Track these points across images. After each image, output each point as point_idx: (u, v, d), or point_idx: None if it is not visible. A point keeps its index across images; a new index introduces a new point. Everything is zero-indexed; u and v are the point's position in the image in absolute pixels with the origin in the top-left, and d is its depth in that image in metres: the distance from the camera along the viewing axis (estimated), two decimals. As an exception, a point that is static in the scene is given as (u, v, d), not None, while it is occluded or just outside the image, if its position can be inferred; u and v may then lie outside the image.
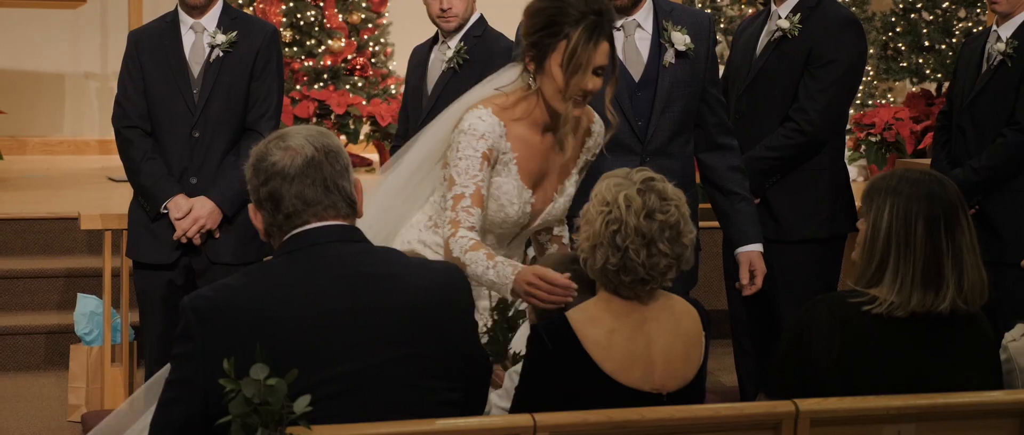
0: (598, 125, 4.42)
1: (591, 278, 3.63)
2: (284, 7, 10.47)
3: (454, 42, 5.83)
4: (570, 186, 4.41)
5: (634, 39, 4.84)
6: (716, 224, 6.21)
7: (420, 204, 4.38)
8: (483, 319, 3.98)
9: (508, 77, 4.24)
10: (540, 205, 4.34)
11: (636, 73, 4.80)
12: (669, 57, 4.84)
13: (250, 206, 3.32)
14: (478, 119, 4.08)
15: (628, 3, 4.76)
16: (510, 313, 3.98)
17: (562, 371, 3.52)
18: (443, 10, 5.89)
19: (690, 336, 3.62)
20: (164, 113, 5.41)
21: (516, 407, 3.56)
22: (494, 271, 3.88)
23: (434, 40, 5.99)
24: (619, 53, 4.85)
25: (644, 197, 3.53)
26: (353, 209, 3.30)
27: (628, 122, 4.69)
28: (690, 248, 3.58)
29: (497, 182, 4.20)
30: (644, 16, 4.81)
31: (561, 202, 4.40)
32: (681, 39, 4.83)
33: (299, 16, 10.53)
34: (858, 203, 5.92)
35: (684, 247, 3.56)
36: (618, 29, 4.70)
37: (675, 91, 4.81)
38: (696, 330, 3.64)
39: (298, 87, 10.50)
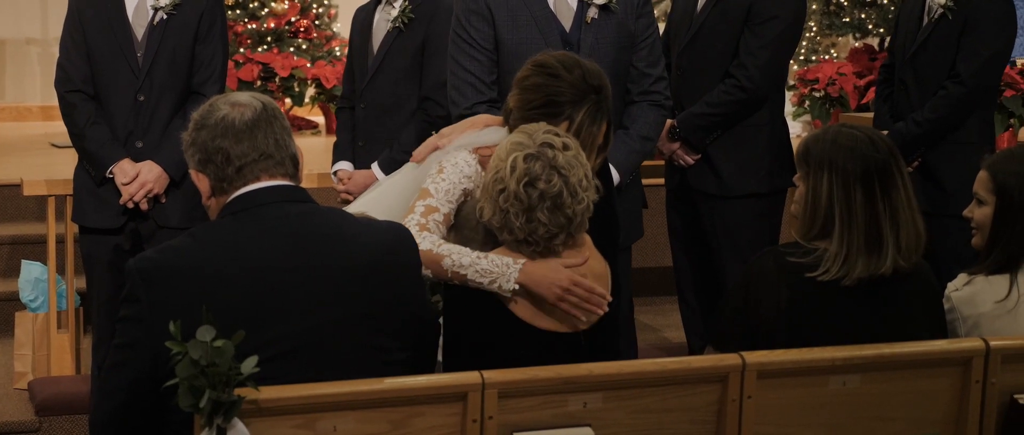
0: None
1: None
2: (226, -31, 10.40)
3: (398, 2, 5.81)
4: None
5: None
6: (660, 181, 6.24)
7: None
8: None
9: (491, 138, 4.04)
10: None
11: (567, 26, 4.84)
12: (592, 13, 4.85)
13: (192, 171, 3.30)
14: (465, 163, 3.90)
15: None
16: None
17: (480, 321, 3.59)
18: (386, -30, 5.86)
19: (596, 276, 3.68)
20: (108, 76, 5.36)
21: (446, 360, 3.61)
22: (487, 261, 3.61)
23: (378, 0, 5.96)
24: (550, 5, 4.85)
25: (530, 164, 3.53)
26: (297, 170, 3.30)
27: None
28: (579, 218, 3.57)
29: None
30: None
31: None
32: None
33: (241, -22, 10.47)
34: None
35: (568, 218, 3.56)
36: None
37: (599, 47, 4.81)
38: (602, 270, 3.71)
39: (242, 50, 10.43)
